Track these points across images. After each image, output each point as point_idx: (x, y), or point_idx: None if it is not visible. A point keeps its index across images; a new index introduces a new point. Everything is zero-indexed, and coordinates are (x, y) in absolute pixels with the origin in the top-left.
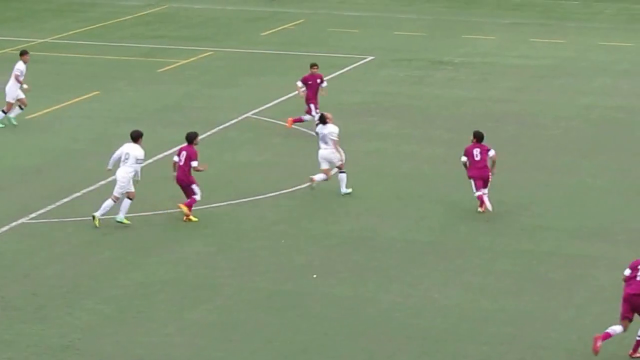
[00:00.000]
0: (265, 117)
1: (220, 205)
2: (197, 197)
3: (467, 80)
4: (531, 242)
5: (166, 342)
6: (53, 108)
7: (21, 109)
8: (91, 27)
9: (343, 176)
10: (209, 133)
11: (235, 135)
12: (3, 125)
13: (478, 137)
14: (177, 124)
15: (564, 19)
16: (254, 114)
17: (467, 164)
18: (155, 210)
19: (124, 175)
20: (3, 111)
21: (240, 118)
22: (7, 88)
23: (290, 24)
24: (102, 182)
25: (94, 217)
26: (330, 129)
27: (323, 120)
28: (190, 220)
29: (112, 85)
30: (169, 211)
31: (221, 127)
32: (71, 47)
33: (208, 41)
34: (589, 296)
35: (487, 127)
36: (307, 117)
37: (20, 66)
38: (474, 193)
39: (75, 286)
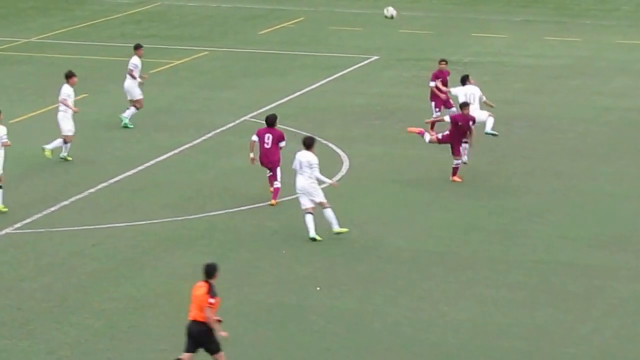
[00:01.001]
0: (263, 120)
1: (217, 214)
2: (278, 184)
3: (478, 81)
4: (547, 252)
5: (160, 359)
6: (38, 112)
7: (137, 108)
8: (78, 26)
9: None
10: (204, 137)
11: (232, 139)
12: (132, 126)
13: None
14: (170, 128)
15: (579, 16)
16: (251, 118)
17: None
18: (148, 220)
19: (310, 184)
20: (135, 107)
21: (237, 122)
22: (126, 86)
23: (289, 22)
24: (91, 190)
25: (337, 232)
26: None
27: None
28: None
29: (101, 88)
30: (162, 220)
31: (217, 131)
32: (57, 47)
33: (203, 41)
34: (608, 309)
35: (499, 130)
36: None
37: (134, 60)
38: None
39: (63, 300)
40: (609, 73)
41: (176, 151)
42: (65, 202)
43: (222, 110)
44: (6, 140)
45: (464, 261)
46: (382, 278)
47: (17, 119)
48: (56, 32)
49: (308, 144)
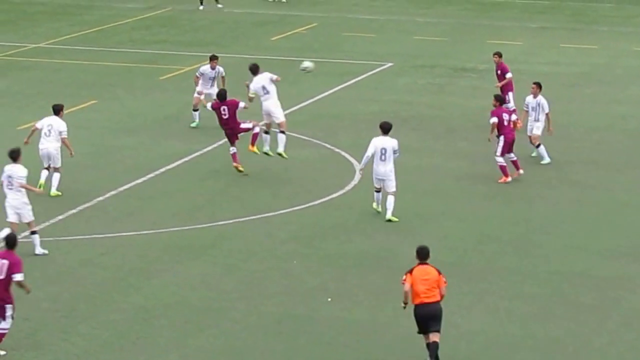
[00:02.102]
0: (274, 128)
1: (227, 223)
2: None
3: (493, 89)
4: (561, 263)
5: None
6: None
7: (195, 110)
8: (87, 31)
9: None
10: (214, 145)
11: (242, 147)
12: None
13: None
14: (180, 135)
15: (595, 23)
16: (263, 125)
17: None
18: (157, 229)
19: (392, 170)
20: (195, 109)
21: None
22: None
23: (302, 28)
24: (100, 198)
25: (389, 219)
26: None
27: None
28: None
29: (110, 94)
30: (171, 229)
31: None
32: (66, 53)
33: (214, 46)
34: (623, 321)
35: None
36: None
37: (202, 68)
38: None
39: (71, 310)
40: (625, 81)
41: (186, 159)
42: (74, 211)
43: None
44: (65, 136)
45: (477, 272)
46: (394, 289)
47: (25, 125)
48: (65, 37)
49: (388, 128)
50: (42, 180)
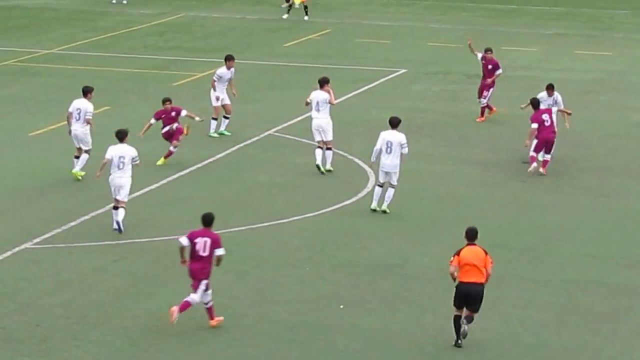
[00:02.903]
0: (288, 134)
1: (239, 230)
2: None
3: (507, 96)
4: (575, 271)
5: None
6: (59, 124)
7: (226, 117)
8: (101, 37)
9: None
10: (227, 151)
11: (255, 153)
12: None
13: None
14: (193, 142)
15: (610, 29)
16: (276, 131)
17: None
18: (170, 235)
19: (397, 164)
20: (225, 117)
21: (261, 135)
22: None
23: (315, 35)
24: (112, 204)
25: (384, 210)
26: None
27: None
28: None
29: (123, 100)
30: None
31: (241, 145)
32: (79, 59)
33: (226, 52)
34: (637, 329)
35: (528, 147)
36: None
37: (219, 70)
38: None
39: (83, 316)
40: None
41: (199, 165)
42: (86, 217)
43: (245, 123)
44: (89, 117)
45: (491, 280)
46: (407, 296)
47: (37, 132)
48: (78, 43)
49: (396, 122)
50: (77, 169)
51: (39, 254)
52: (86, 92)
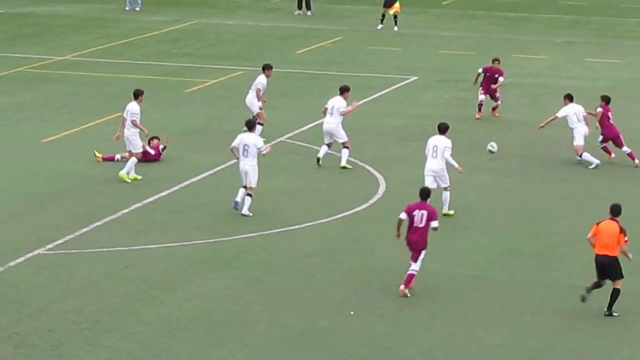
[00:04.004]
0: (299, 141)
1: (251, 236)
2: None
3: (517, 103)
4: (583, 277)
5: None
6: (72, 130)
7: (260, 124)
8: (113, 44)
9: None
10: None
11: (267, 160)
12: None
13: None
14: (205, 148)
15: (621, 37)
16: (287, 138)
17: None
18: (181, 241)
19: (442, 168)
20: (260, 123)
21: (273, 143)
22: (248, 101)
23: (327, 42)
24: (125, 210)
25: (445, 214)
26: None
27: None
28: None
29: None
30: (195, 242)
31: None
32: (92, 65)
33: (239, 60)
34: None
35: (538, 153)
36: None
37: (262, 80)
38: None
39: (95, 322)
40: None
41: (211, 172)
42: (98, 223)
43: (257, 131)
44: (135, 119)
45: (499, 286)
46: (417, 302)
47: (50, 138)
48: (91, 49)
49: (444, 128)
50: (133, 173)
51: (51, 259)
52: (136, 94)
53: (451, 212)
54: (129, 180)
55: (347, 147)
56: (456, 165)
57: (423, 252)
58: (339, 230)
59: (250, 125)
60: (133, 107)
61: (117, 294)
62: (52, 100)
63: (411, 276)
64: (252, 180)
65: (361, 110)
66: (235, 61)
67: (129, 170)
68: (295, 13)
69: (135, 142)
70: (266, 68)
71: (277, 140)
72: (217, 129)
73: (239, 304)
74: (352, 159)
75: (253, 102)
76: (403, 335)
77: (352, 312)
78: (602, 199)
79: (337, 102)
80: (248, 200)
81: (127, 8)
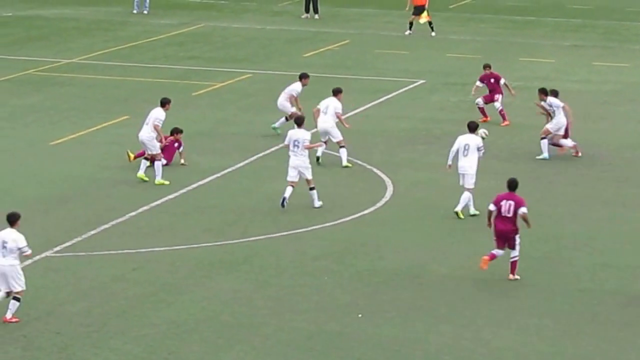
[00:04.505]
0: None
1: (258, 239)
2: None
3: (524, 106)
4: (591, 281)
5: None
6: (79, 133)
7: (287, 119)
8: (121, 47)
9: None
10: (246, 161)
11: (274, 164)
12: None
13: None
14: (213, 151)
15: (628, 41)
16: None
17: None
18: (189, 244)
19: (471, 166)
20: (286, 118)
21: (280, 145)
22: (280, 104)
23: (335, 45)
24: (132, 214)
25: (456, 212)
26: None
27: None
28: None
29: (142, 109)
30: (203, 245)
31: (260, 155)
32: (99, 68)
33: (246, 63)
34: None
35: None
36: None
37: (297, 87)
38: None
39: (103, 325)
40: None
41: (218, 175)
42: (106, 226)
43: (265, 133)
44: (158, 124)
45: (507, 289)
46: (424, 306)
47: (58, 141)
48: (98, 53)
49: (474, 127)
50: (141, 172)
51: (59, 262)
52: (164, 103)
53: (462, 215)
54: (167, 182)
55: (343, 147)
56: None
57: (517, 237)
58: (347, 233)
59: (300, 122)
60: (159, 112)
61: (124, 297)
62: (59, 103)
63: (515, 263)
64: (307, 173)
65: (369, 114)
66: (243, 64)
67: (159, 175)
68: (303, 16)
69: (153, 144)
70: (303, 77)
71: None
72: (224, 132)
73: (247, 306)
74: (359, 162)
75: (285, 105)
76: (411, 338)
77: (360, 315)
78: (609, 203)
79: (333, 102)
80: (314, 193)
81: (134, 11)
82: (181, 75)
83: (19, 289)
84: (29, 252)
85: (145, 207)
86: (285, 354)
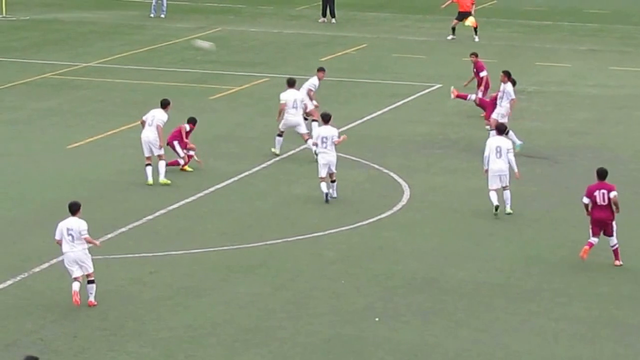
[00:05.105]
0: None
1: (275, 243)
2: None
3: (541, 111)
4: (609, 285)
5: None
6: (97, 137)
7: (315, 121)
8: (138, 50)
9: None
10: (263, 165)
11: (292, 167)
12: None
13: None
14: (230, 155)
15: None
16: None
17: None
18: (206, 248)
19: (507, 167)
20: (305, 118)
21: (297, 149)
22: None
23: (352, 49)
24: (149, 217)
25: (509, 213)
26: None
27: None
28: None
29: None
30: (220, 248)
31: (277, 159)
32: (117, 72)
33: (263, 67)
34: None
35: (562, 161)
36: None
37: (314, 81)
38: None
39: (120, 328)
40: None
41: (235, 179)
42: (123, 229)
43: (314, 125)
44: (160, 124)
45: (525, 293)
46: (442, 310)
47: (76, 144)
48: (116, 56)
49: (504, 129)
50: (150, 180)
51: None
52: (164, 104)
53: (511, 210)
54: (169, 182)
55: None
56: (516, 169)
57: (614, 224)
58: (364, 237)
59: (327, 118)
60: (162, 114)
61: (141, 300)
62: (77, 106)
63: (617, 249)
64: (333, 167)
65: (386, 118)
66: (260, 68)
67: (163, 174)
68: (320, 20)
69: (157, 145)
70: (320, 70)
71: (302, 147)
72: (241, 135)
73: (263, 310)
74: (376, 166)
75: (305, 100)
76: (429, 342)
77: (377, 319)
78: (626, 208)
79: (299, 95)
80: (333, 185)
81: (152, 15)
82: (198, 79)
83: (91, 270)
84: (87, 236)
85: (162, 211)
86: (302, 358)
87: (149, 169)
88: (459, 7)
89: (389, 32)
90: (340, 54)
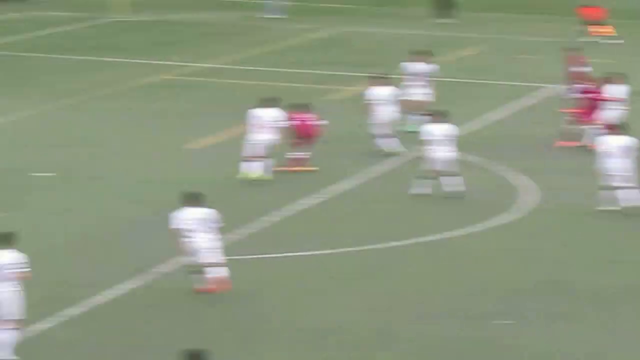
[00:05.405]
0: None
1: (399, 245)
2: None
3: None
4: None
5: None
6: (214, 138)
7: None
8: (258, 51)
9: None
10: (389, 166)
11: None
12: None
13: None
14: (354, 156)
15: None
16: None
17: None
18: (330, 249)
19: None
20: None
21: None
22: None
23: (472, 50)
24: (275, 219)
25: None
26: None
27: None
28: None
29: None
30: (345, 249)
31: (403, 159)
32: (233, 73)
33: (382, 67)
34: None
35: None
36: None
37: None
38: None
39: (247, 330)
40: None
41: (362, 181)
42: (248, 231)
43: (406, 139)
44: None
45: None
46: (573, 315)
47: (192, 146)
48: (232, 57)
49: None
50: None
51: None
52: (276, 102)
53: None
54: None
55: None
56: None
57: None
58: (492, 239)
59: (438, 116)
60: (280, 113)
61: (268, 302)
62: (193, 107)
63: None
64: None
65: (511, 118)
66: (379, 69)
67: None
68: (438, 21)
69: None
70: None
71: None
72: (363, 136)
73: (388, 312)
74: (504, 168)
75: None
76: (559, 349)
77: (505, 322)
78: None
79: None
80: (451, 180)
81: (265, 15)
82: (317, 79)
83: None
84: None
85: (288, 213)
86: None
87: (258, 163)
88: (584, 16)
89: (512, 33)
90: (460, 55)
